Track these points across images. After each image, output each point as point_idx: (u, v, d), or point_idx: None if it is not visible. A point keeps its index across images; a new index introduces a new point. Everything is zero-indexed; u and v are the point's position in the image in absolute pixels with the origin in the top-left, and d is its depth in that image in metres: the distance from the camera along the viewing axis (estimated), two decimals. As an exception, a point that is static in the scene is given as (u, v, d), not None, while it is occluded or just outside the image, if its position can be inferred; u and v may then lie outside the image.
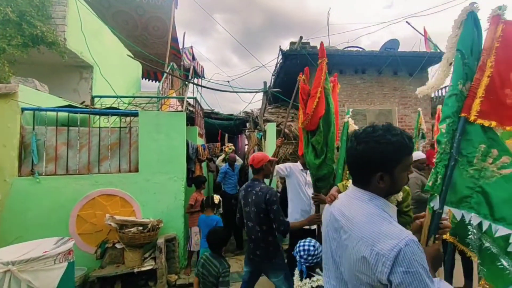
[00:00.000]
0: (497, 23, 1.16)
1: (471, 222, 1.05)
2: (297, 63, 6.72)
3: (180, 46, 8.20)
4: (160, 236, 3.35)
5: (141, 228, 3.13)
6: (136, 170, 3.54)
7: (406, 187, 3.07)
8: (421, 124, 4.29)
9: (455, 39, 1.22)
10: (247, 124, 7.76)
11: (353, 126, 3.42)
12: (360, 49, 6.30)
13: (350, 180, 1.31)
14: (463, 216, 1.07)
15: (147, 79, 9.79)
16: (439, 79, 1.25)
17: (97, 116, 4.18)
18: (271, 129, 4.44)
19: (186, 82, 7.04)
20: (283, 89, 6.08)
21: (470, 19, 1.22)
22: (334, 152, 2.23)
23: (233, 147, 5.80)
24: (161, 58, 7.15)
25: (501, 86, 1.12)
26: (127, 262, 3.19)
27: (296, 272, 1.88)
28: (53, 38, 3.83)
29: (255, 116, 6.67)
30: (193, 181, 3.94)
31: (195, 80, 7.39)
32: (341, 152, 3.18)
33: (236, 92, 4.88)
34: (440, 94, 10.61)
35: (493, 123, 1.08)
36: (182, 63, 7.69)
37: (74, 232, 3.25)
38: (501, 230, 0.99)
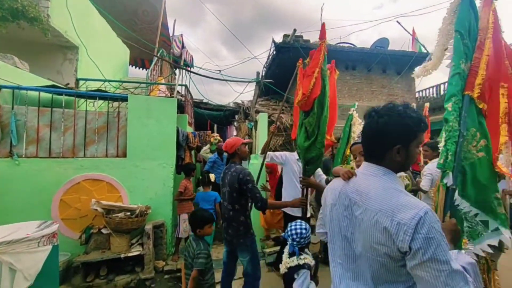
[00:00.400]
0: (490, 4, 1.22)
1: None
2: (289, 56, 6.75)
3: (170, 34, 7.98)
4: (148, 222, 3.31)
5: (128, 213, 3.08)
6: (124, 155, 3.45)
7: (408, 174, 3.18)
8: None
9: (450, 24, 1.27)
10: (236, 116, 7.74)
11: (357, 119, 3.51)
12: (352, 46, 6.40)
13: (352, 163, 1.36)
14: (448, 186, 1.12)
15: (134, 66, 9.48)
16: (434, 62, 1.31)
17: (82, 99, 4.02)
18: (262, 119, 4.45)
19: (176, 70, 6.89)
20: (275, 82, 6.11)
21: (465, 2, 1.27)
22: (325, 136, 2.28)
23: (219, 137, 5.75)
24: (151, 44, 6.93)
25: (497, 63, 1.19)
26: (113, 247, 3.13)
27: (286, 250, 1.94)
28: (35, 14, 3.60)
29: (245, 107, 6.65)
30: (183, 168, 3.89)
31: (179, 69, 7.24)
32: (343, 142, 3.25)
33: (228, 81, 4.84)
34: (424, 95, 11.04)
35: (482, 105, 1.14)
36: (171, 50, 7.49)
37: (57, 217, 3.14)
38: (470, 209, 1.07)
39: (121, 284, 3.05)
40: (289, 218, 2.67)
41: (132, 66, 9.09)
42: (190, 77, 5.17)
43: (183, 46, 8.67)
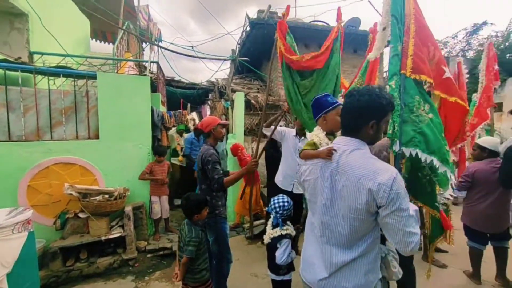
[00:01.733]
0: None
1: (420, 157, 1.30)
2: (264, 33, 6.63)
3: (135, 3, 7.29)
4: (127, 204, 3.28)
5: (107, 196, 3.02)
6: (97, 137, 3.28)
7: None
8: None
9: (388, 6, 1.45)
10: (210, 94, 7.56)
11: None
12: (325, 24, 6.46)
13: (318, 135, 1.51)
14: (411, 154, 1.32)
15: (94, 39, 8.59)
16: (379, 43, 1.47)
17: (40, 76, 3.64)
18: (239, 98, 4.44)
19: (144, 45, 6.41)
20: (249, 59, 6.01)
21: None
22: None
23: (194, 118, 5.60)
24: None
25: (421, 45, 1.37)
26: (92, 231, 3.08)
27: (269, 223, 2.10)
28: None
29: (220, 86, 6.53)
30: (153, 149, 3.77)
31: (151, 45, 6.75)
32: None
33: (202, 58, 4.66)
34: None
35: (423, 77, 1.33)
36: (138, 22, 6.90)
37: (25, 204, 2.96)
38: (436, 163, 1.28)
39: (104, 265, 3.06)
40: (279, 191, 2.75)
41: (92, 39, 8.24)
42: (162, 53, 4.86)
43: (149, 19, 8.01)
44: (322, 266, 1.13)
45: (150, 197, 3.60)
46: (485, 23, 13.77)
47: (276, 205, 2.04)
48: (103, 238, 3.06)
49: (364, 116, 1.07)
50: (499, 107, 9.79)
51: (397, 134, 1.31)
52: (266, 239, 2.07)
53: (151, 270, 3.10)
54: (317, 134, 1.56)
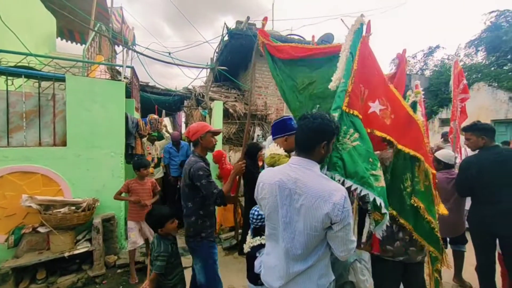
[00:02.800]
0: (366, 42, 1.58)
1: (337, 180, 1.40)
2: (242, 44, 6.72)
3: (108, 5, 7.01)
4: (96, 216, 3.05)
5: (73, 207, 2.78)
6: (64, 144, 3.04)
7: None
8: None
9: (349, 43, 1.58)
10: (186, 102, 7.42)
11: None
12: (301, 38, 6.77)
13: (277, 150, 1.62)
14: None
15: (60, 38, 8.02)
16: (339, 74, 1.61)
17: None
18: (218, 107, 4.43)
19: (117, 48, 6.14)
20: (227, 68, 6.05)
21: (360, 30, 1.58)
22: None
23: (166, 124, 5.41)
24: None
25: (358, 82, 1.52)
26: (54, 246, 2.81)
27: (249, 232, 2.11)
28: None
29: (197, 93, 6.46)
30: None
31: (127, 49, 6.49)
32: None
33: (180, 65, 4.59)
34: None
35: (355, 112, 1.48)
36: (111, 25, 6.61)
37: (-28, 219, 2.63)
38: (354, 186, 1.35)
39: (65, 285, 2.80)
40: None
41: (57, 38, 7.69)
42: (138, 58, 4.69)
43: (123, 21, 7.72)
44: (280, 274, 1.23)
45: (125, 221, 3.15)
46: (437, 46, 15.58)
47: (253, 215, 2.06)
48: (66, 254, 2.80)
49: (317, 137, 1.19)
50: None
51: (326, 160, 1.41)
52: (246, 247, 2.08)
53: (121, 286, 2.89)
54: (276, 149, 1.74)
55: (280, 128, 2.00)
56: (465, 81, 3.78)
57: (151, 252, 1.95)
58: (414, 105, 1.62)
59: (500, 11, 17.05)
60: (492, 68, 11.89)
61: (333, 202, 1.06)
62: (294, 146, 1.31)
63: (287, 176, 1.20)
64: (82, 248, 2.89)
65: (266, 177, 1.30)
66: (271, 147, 1.84)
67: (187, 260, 2.80)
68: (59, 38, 7.64)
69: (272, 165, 1.65)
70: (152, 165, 4.78)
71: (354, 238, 1.14)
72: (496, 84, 11.71)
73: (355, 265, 1.32)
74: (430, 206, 1.64)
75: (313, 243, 1.15)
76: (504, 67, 14.45)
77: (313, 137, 1.20)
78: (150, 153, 4.98)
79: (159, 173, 5.02)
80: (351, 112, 1.47)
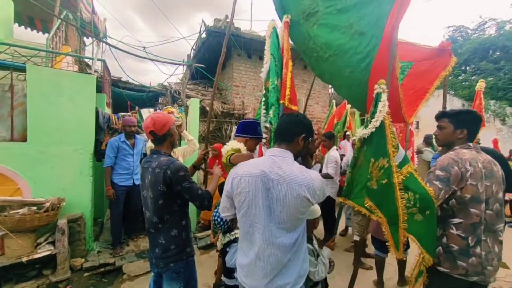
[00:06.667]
0: (287, 27, 1.77)
1: None
2: (219, 42, 6.69)
3: (76, -9, 6.53)
4: (61, 217, 2.85)
5: (34, 208, 2.57)
6: (24, 139, 2.80)
7: None
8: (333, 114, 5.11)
9: (268, 46, 1.79)
10: (160, 98, 7.20)
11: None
12: (279, 40, 6.90)
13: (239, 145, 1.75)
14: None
15: (18, 25, 7.32)
16: (264, 73, 1.87)
17: None
18: (194, 105, 4.35)
19: (86, 40, 5.75)
20: (204, 66, 5.98)
21: (274, 32, 1.78)
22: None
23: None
24: None
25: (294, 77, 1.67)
26: (9, 251, 2.57)
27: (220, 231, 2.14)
28: None
29: (173, 90, 6.29)
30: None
31: (99, 41, 6.11)
32: None
33: (157, 61, 4.44)
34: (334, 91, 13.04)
35: (295, 107, 1.66)
36: (79, 14, 6.18)
37: None
38: None
39: (24, 292, 2.58)
40: None
41: (15, 24, 7.00)
42: (111, 51, 4.42)
43: (93, 11, 7.26)
44: (265, 272, 1.21)
45: (94, 221, 3.10)
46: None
47: (213, 221, 2.08)
48: (24, 259, 2.58)
49: (298, 129, 1.33)
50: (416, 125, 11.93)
51: None
52: (219, 245, 2.14)
53: (88, 291, 2.74)
54: (238, 144, 1.82)
55: (247, 129, 2.10)
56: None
57: None
58: (377, 96, 1.51)
59: (456, 26, 18.90)
60: (450, 78, 13.18)
61: (314, 188, 1.19)
62: (251, 150, 1.44)
63: (268, 167, 1.23)
64: (43, 251, 2.68)
65: (244, 170, 1.28)
66: (232, 142, 1.88)
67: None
68: (16, 25, 6.98)
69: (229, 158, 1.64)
70: None
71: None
72: (452, 92, 12.99)
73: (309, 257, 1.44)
74: (384, 206, 1.57)
75: (296, 223, 1.23)
76: (459, 77, 16.07)
77: (294, 128, 1.32)
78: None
79: None
80: (291, 107, 1.63)
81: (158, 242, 1.59)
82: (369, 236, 3.21)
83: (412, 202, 1.41)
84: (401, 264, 2.85)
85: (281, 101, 1.64)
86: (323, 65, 1.82)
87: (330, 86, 7.92)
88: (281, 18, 1.91)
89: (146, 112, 4.77)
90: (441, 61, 2.19)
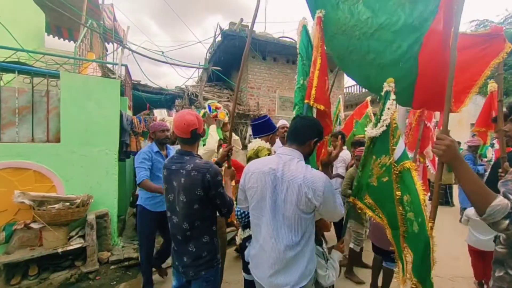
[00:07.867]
0: (320, 23, 1.61)
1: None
2: (235, 45, 6.84)
3: (99, 2, 6.91)
4: (90, 213, 3.06)
5: (68, 204, 2.79)
6: (58, 140, 3.04)
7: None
8: (340, 111, 5.07)
9: (297, 45, 1.73)
10: (177, 100, 7.45)
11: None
12: (293, 41, 6.93)
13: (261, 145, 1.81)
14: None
15: (48, 34, 7.83)
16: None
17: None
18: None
19: (108, 46, 6.09)
20: (220, 68, 6.13)
21: (304, 30, 1.70)
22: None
23: (164, 118, 4.54)
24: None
25: (323, 75, 1.57)
26: (47, 243, 2.80)
27: (240, 226, 2.22)
28: None
29: (190, 93, 6.50)
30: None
31: (122, 47, 6.44)
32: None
33: (176, 65, 4.63)
34: (350, 91, 12.86)
35: (322, 107, 1.57)
36: (102, 22, 6.54)
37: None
38: None
39: (58, 281, 2.80)
40: None
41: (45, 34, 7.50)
42: (133, 56, 4.67)
43: (114, 19, 7.65)
44: (271, 262, 1.28)
45: (118, 218, 3.08)
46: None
47: (236, 216, 2.16)
48: (59, 250, 2.81)
49: (312, 132, 1.37)
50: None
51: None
52: (238, 239, 2.22)
53: (114, 282, 2.92)
54: (262, 143, 1.99)
55: (264, 128, 2.25)
56: None
57: None
58: (386, 95, 1.42)
59: (480, 21, 17.97)
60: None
61: (314, 188, 1.21)
62: (286, 139, 1.44)
63: (276, 165, 1.31)
64: (75, 244, 2.90)
65: (255, 166, 1.38)
66: (257, 141, 2.01)
67: None
68: (45, 34, 7.48)
69: (257, 154, 1.77)
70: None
71: (342, 208, 1.33)
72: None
73: (318, 259, 1.42)
74: (383, 204, 1.53)
75: (298, 223, 1.25)
76: (483, 74, 15.21)
77: (308, 132, 1.37)
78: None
79: None
80: (318, 107, 1.57)
81: (188, 250, 1.50)
82: (368, 243, 3.05)
83: (410, 207, 1.33)
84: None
85: (306, 101, 1.56)
86: (365, 43, 1.56)
87: (344, 86, 7.81)
88: (313, 16, 1.72)
89: (159, 113, 4.81)
90: (491, 48, 1.79)
